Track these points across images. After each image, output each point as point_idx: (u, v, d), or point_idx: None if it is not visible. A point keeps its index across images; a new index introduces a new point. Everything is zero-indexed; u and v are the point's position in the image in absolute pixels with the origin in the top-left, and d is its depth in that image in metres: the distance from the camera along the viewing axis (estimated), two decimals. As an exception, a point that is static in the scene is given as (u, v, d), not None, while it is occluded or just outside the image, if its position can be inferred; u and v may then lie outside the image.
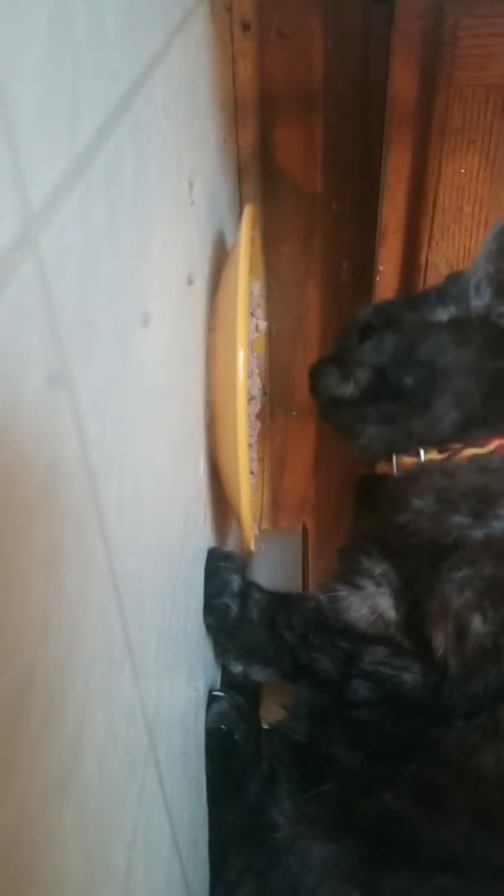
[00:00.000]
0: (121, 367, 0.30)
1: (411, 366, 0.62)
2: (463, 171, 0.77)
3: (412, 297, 0.68)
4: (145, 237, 0.35)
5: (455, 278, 0.66)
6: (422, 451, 0.63)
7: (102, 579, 0.28)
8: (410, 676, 0.54)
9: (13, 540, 0.20)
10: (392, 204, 0.82)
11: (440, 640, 0.53)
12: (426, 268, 0.83)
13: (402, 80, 0.75)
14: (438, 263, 0.80)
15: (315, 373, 0.69)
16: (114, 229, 0.29)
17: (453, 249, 0.81)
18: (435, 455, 0.62)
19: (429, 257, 0.82)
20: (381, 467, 0.67)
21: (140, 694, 0.35)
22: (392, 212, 0.82)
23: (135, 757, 0.34)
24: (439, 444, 0.62)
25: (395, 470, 0.63)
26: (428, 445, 0.63)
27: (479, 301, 0.63)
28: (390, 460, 0.64)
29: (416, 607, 0.55)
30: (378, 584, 0.58)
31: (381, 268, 0.86)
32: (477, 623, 0.52)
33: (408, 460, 0.63)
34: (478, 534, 0.55)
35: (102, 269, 0.27)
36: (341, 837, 0.53)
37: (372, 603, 0.57)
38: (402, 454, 0.64)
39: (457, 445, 0.61)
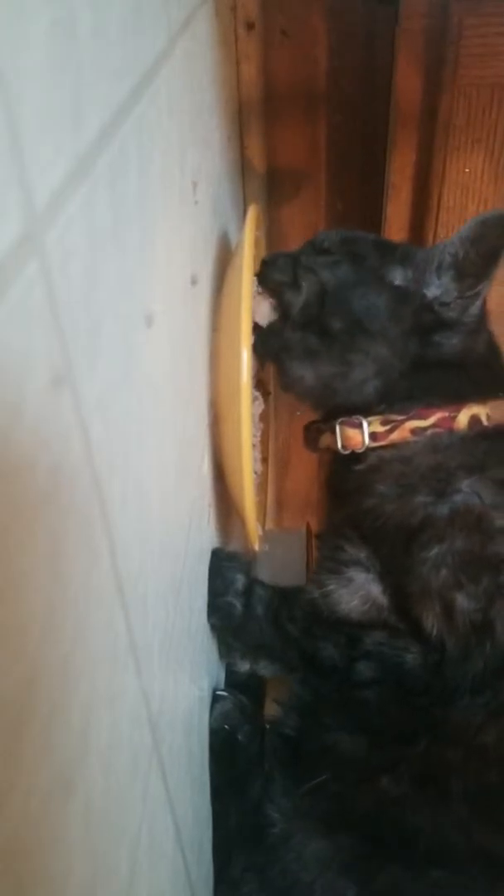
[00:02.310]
0: (124, 367, 0.30)
1: (345, 310, 0.61)
2: (467, 170, 0.77)
3: (382, 242, 0.67)
4: (149, 237, 0.35)
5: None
6: (364, 423, 0.62)
7: (106, 579, 0.28)
8: (411, 656, 0.54)
9: (17, 539, 0.20)
10: (397, 203, 0.82)
11: (431, 621, 0.53)
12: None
13: (407, 80, 0.75)
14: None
15: (270, 262, 0.67)
16: (117, 229, 0.29)
17: (458, 249, 0.81)
18: (378, 427, 0.62)
19: (433, 257, 0.82)
20: (325, 440, 0.66)
21: (144, 693, 0.35)
22: (396, 211, 0.82)
23: (139, 756, 0.34)
24: (364, 410, 0.63)
25: (339, 443, 0.63)
26: (356, 412, 0.63)
27: (433, 281, 0.62)
28: (332, 431, 0.64)
29: (400, 590, 0.55)
30: (367, 570, 0.58)
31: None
32: (461, 600, 0.52)
33: (351, 432, 0.63)
34: (442, 510, 0.55)
35: (106, 269, 0.27)
36: (336, 832, 0.53)
37: (363, 593, 0.57)
38: (344, 426, 0.63)
39: (399, 417, 0.62)
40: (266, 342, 0.67)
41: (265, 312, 0.65)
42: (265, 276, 0.66)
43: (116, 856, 0.30)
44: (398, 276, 0.63)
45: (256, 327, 0.65)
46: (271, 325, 0.64)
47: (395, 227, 0.84)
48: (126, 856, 0.32)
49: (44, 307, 0.21)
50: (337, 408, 0.65)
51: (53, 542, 0.22)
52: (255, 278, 0.61)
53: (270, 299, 0.66)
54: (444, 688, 0.53)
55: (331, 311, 0.61)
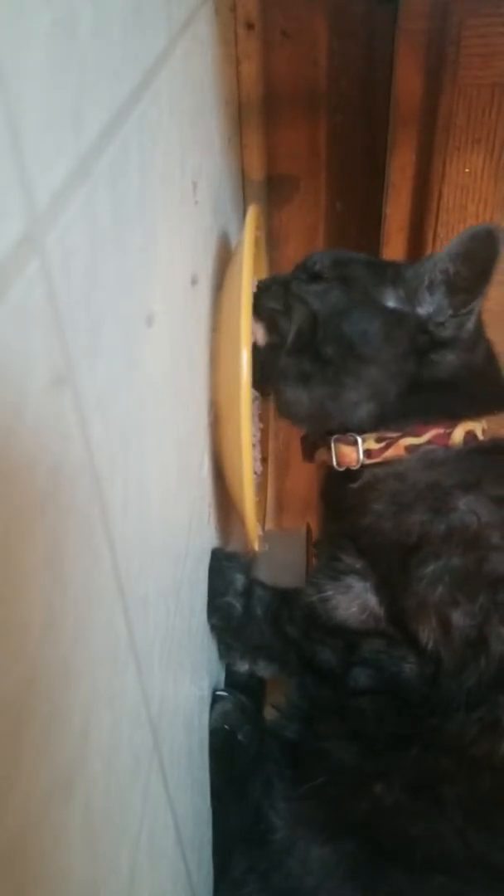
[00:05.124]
0: (125, 367, 0.30)
1: (337, 336, 0.61)
2: (468, 170, 0.77)
3: (373, 262, 0.66)
4: (150, 237, 0.35)
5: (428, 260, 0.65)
6: (359, 440, 0.62)
7: (107, 579, 0.28)
8: (408, 666, 0.54)
9: (18, 540, 0.20)
10: (397, 203, 0.82)
11: (427, 634, 0.53)
12: (430, 267, 0.82)
13: (407, 80, 0.75)
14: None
15: (264, 289, 0.66)
16: (118, 229, 0.29)
17: (458, 249, 0.81)
18: (373, 444, 0.62)
19: (433, 257, 0.82)
20: (321, 456, 0.66)
21: (145, 694, 0.35)
22: (397, 211, 0.82)
23: (139, 757, 0.34)
24: (361, 432, 0.63)
25: (334, 460, 0.63)
26: (354, 432, 0.63)
27: (426, 300, 0.61)
28: (328, 447, 0.64)
29: (396, 603, 0.55)
30: (365, 579, 0.58)
31: (385, 267, 0.85)
32: (457, 617, 0.52)
33: (346, 448, 0.63)
34: (439, 527, 0.55)
35: (107, 269, 0.27)
36: (338, 839, 0.54)
37: (361, 601, 0.57)
38: (339, 443, 0.63)
39: (394, 434, 0.61)
40: (262, 368, 0.67)
41: (261, 334, 0.65)
42: (259, 304, 0.66)
43: (117, 856, 0.30)
44: (391, 298, 0.62)
45: (255, 349, 0.66)
46: (267, 351, 0.64)
47: (395, 226, 0.84)
48: (126, 856, 0.32)
49: (44, 307, 0.21)
50: (332, 432, 0.65)
51: (54, 542, 0.22)
52: (254, 280, 0.61)
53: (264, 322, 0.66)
54: (440, 699, 0.53)
55: (323, 337, 0.61)
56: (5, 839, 0.20)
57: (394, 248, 0.85)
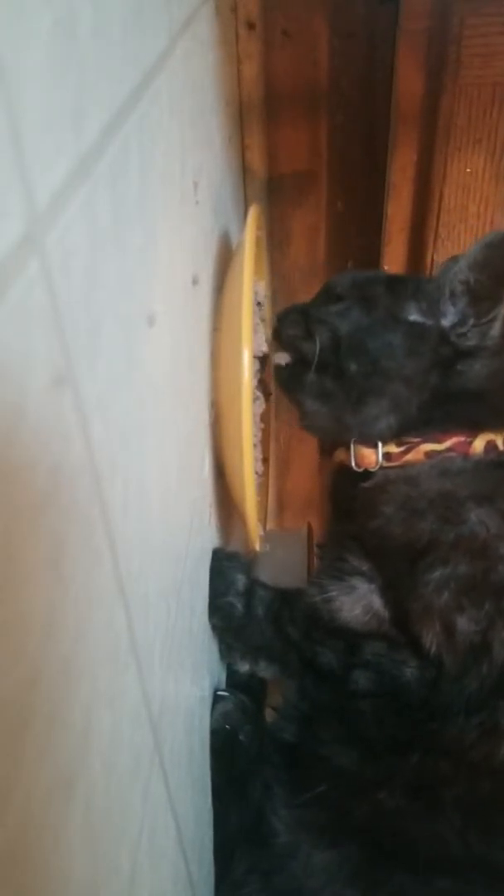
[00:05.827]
0: (126, 367, 0.30)
1: (360, 352, 0.61)
2: (469, 170, 0.77)
3: (393, 278, 0.67)
4: (150, 237, 0.35)
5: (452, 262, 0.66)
6: (379, 443, 0.63)
7: (108, 579, 0.28)
8: (409, 670, 0.54)
9: (19, 540, 0.20)
10: (397, 203, 0.82)
11: (430, 639, 0.53)
12: (432, 267, 0.82)
13: (408, 80, 0.75)
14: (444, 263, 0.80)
15: (282, 318, 0.68)
16: (119, 229, 0.29)
17: (459, 248, 0.81)
18: (393, 448, 0.62)
19: (434, 257, 0.82)
20: (340, 455, 0.67)
21: (145, 694, 0.35)
22: (397, 211, 0.82)
23: (140, 757, 0.34)
24: (378, 440, 0.63)
25: (352, 461, 0.63)
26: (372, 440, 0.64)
27: (449, 310, 0.62)
28: (347, 447, 0.64)
29: (401, 606, 0.55)
30: (370, 581, 0.58)
31: (386, 267, 0.85)
32: (462, 622, 0.53)
33: (365, 451, 0.63)
34: (448, 535, 0.55)
35: (107, 269, 0.27)
36: (341, 843, 0.54)
37: (365, 603, 0.57)
38: (358, 444, 0.63)
39: (414, 439, 0.62)
40: (285, 382, 0.68)
41: (284, 360, 0.67)
42: (279, 333, 0.67)
43: (117, 856, 0.30)
44: (413, 311, 0.62)
45: (277, 369, 0.68)
46: (291, 372, 0.66)
47: (396, 227, 0.84)
48: (127, 856, 0.32)
49: (44, 307, 0.21)
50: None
51: (54, 542, 0.22)
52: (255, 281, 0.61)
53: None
54: (440, 704, 0.53)
55: (346, 355, 0.62)
56: (5, 839, 0.20)
57: (395, 248, 0.85)
